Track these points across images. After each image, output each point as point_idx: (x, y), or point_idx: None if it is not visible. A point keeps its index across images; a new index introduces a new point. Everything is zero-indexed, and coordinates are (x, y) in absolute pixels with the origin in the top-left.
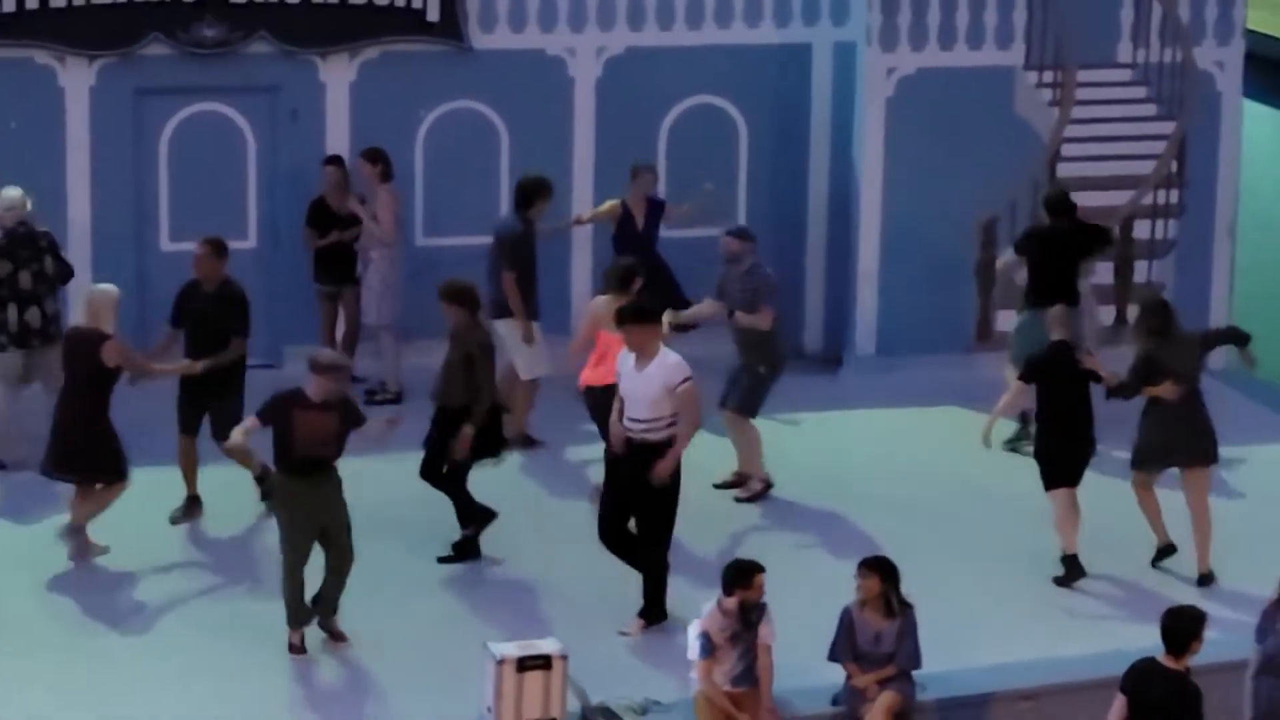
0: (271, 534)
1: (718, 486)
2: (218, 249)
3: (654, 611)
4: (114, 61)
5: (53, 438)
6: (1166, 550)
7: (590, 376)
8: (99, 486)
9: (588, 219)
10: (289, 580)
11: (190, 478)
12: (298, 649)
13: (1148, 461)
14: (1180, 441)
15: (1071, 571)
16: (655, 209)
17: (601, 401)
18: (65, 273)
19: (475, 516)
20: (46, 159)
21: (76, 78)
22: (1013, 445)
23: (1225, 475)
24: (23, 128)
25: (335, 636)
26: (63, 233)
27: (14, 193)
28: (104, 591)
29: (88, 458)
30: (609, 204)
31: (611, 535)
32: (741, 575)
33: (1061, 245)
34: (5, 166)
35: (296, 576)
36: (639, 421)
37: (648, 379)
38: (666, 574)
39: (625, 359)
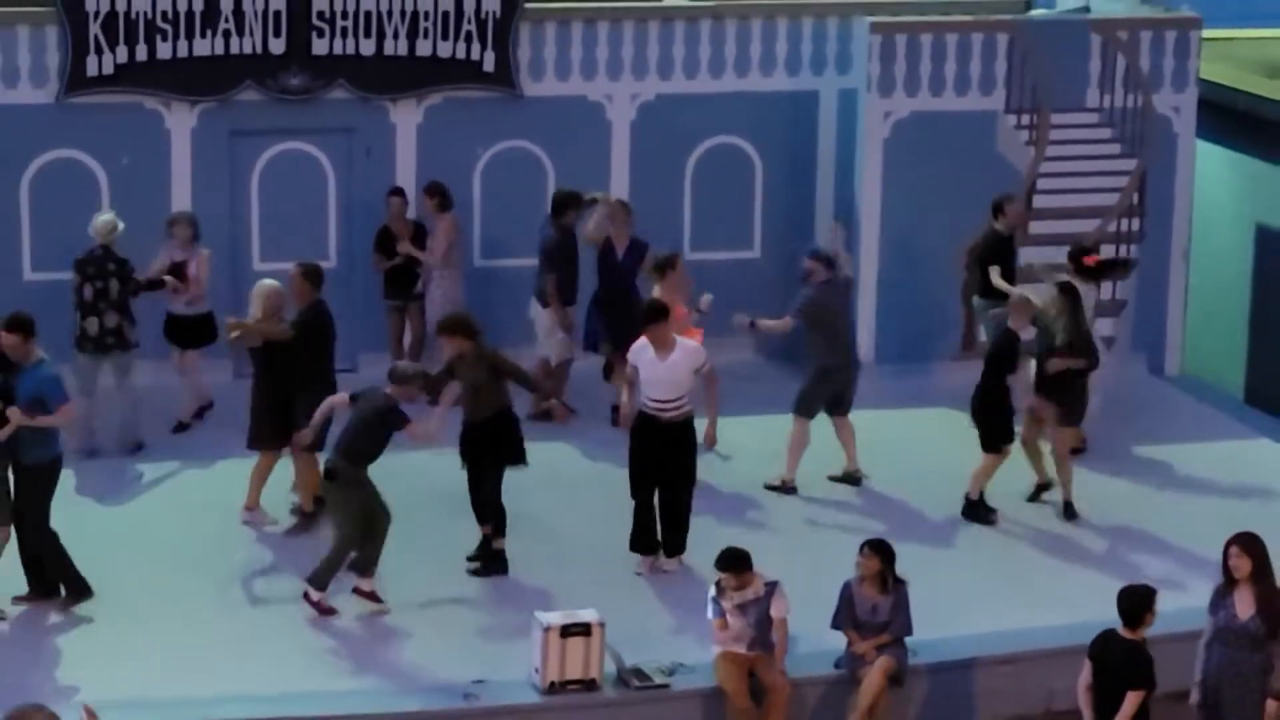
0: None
1: (834, 479)
2: (311, 275)
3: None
4: (212, 106)
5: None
6: (1045, 487)
7: None
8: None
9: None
10: (341, 554)
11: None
12: (327, 609)
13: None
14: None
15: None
16: (636, 247)
17: None
18: (126, 292)
19: (499, 522)
20: (154, 191)
21: (180, 120)
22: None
23: (1182, 469)
24: (134, 164)
25: (372, 597)
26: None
27: (105, 218)
28: (195, 568)
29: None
30: (595, 221)
31: (643, 494)
32: (723, 562)
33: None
34: (119, 196)
35: (349, 550)
36: (660, 401)
37: (672, 366)
38: (689, 515)
39: (643, 350)
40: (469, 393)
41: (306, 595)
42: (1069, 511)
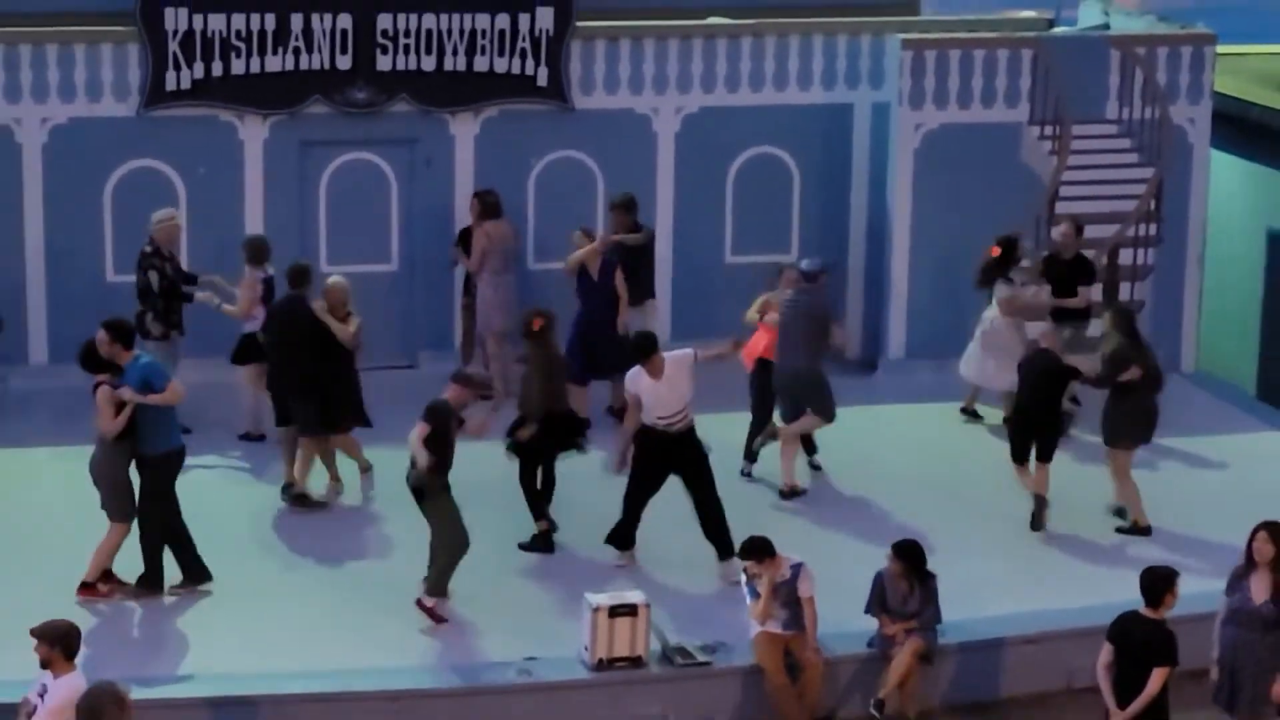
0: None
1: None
2: (303, 273)
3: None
4: (283, 119)
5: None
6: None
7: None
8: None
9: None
10: (451, 558)
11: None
12: (440, 617)
13: (1122, 439)
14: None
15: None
16: (607, 265)
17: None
18: (152, 284)
19: (541, 511)
20: (228, 198)
21: (253, 132)
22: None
23: (1197, 459)
24: (210, 173)
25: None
26: (239, 256)
27: (158, 213)
28: (262, 555)
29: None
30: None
31: (638, 500)
32: (745, 551)
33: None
34: (195, 204)
35: (457, 553)
36: (667, 418)
37: (670, 382)
38: (724, 514)
39: (639, 377)
40: (533, 385)
41: (419, 602)
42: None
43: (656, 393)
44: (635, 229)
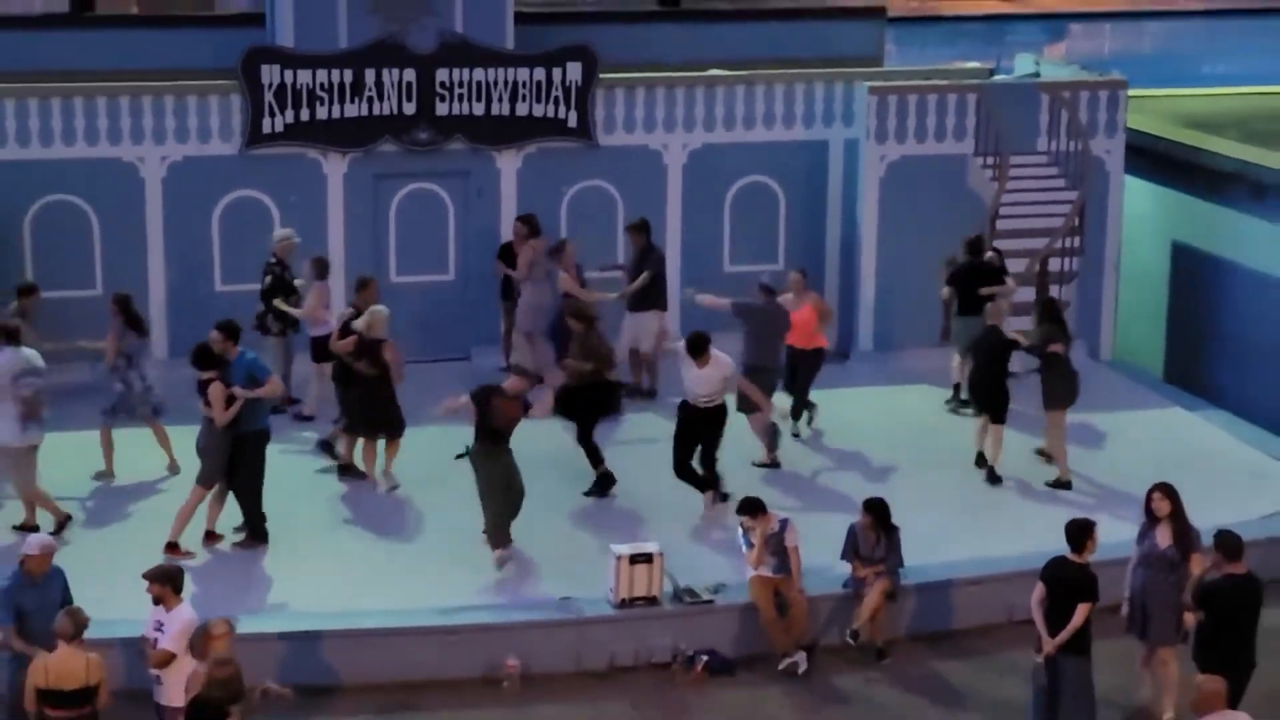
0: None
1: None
2: (364, 283)
3: (717, 491)
4: (359, 156)
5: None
6: (1064, 484)
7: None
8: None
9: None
10: (501, 509)
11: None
12: (505, 559)
13: (1056, 403)
14: (1074, 387)
15: (991, 476)
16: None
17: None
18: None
19: (599, 459)
20: (314, 221)
21: (334, 167)
22: (951, 408)
23: (1114, 431)
24: (299, 200)
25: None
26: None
27: (279, 231)
28: (370, 511)
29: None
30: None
31: (682, 468)
32: (742, 507)
33: (978, 276)
34: (287, 225)
35: (498, 509)
36: (702, 397)
37: (707, 374)
38: (716, 464)
39: (688, 364)
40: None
41: (496, 558)
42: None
43: (698, 378)
44: (648, 247)
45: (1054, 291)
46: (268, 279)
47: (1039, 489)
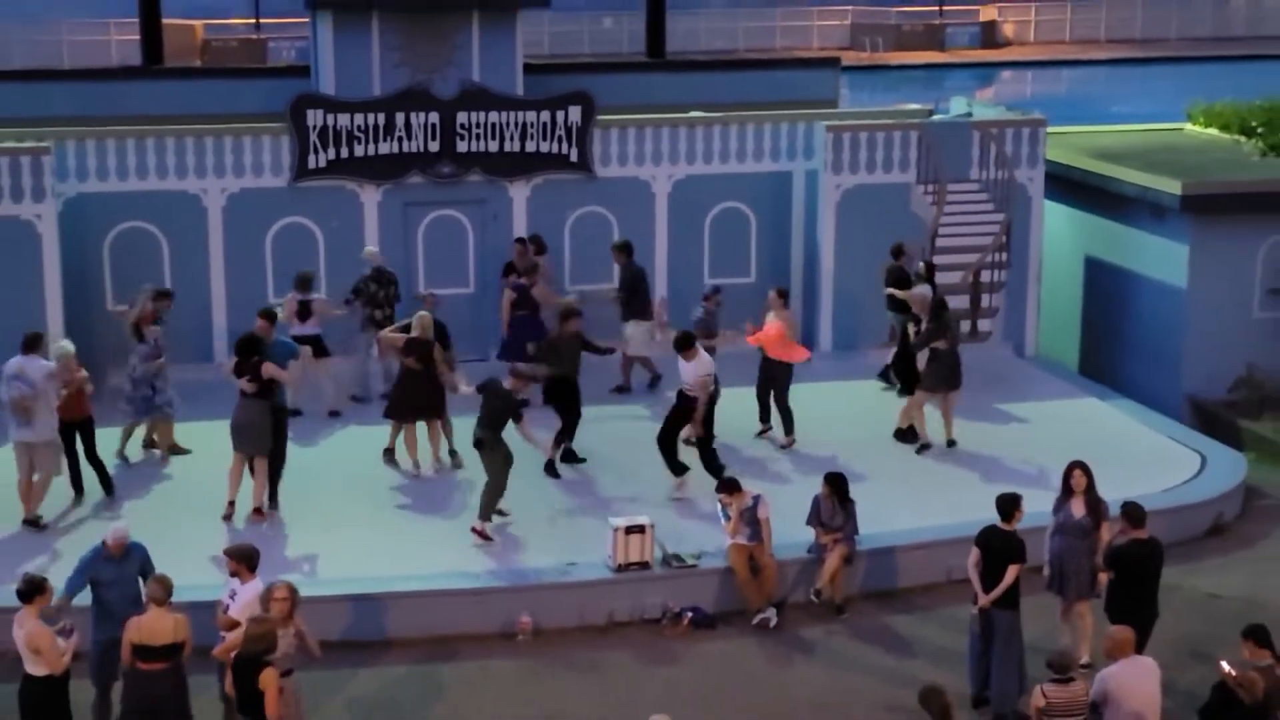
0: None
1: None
2: (430, 298)
3: (724, 481)
4: (391, 187)
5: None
6: (925, 446)
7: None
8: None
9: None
10: (494, 495)
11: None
12: (486, 536)
13: (935, 387)
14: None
15: (916, 440)
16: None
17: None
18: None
19: (559, 443)
20: (353, 243)
21: (370, 197)
22: (883, 386)
23: (1036, 418)
24: (340, 225)
25: (483, 535)
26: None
27: (368, 249)
28: (378, 494)
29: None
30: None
31: (663, 442)
32: (721, 486)
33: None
34: (331, 247)
35: (499, 491)
36: (687, 384)
37: (687, 369)
38: (718, 458)
39: (679, 359)
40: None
41: (473, 527)
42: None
43: (684, 369)
44: (630, 265)
45: (985, 299)
46: (362, 285)
47: (974, 468)
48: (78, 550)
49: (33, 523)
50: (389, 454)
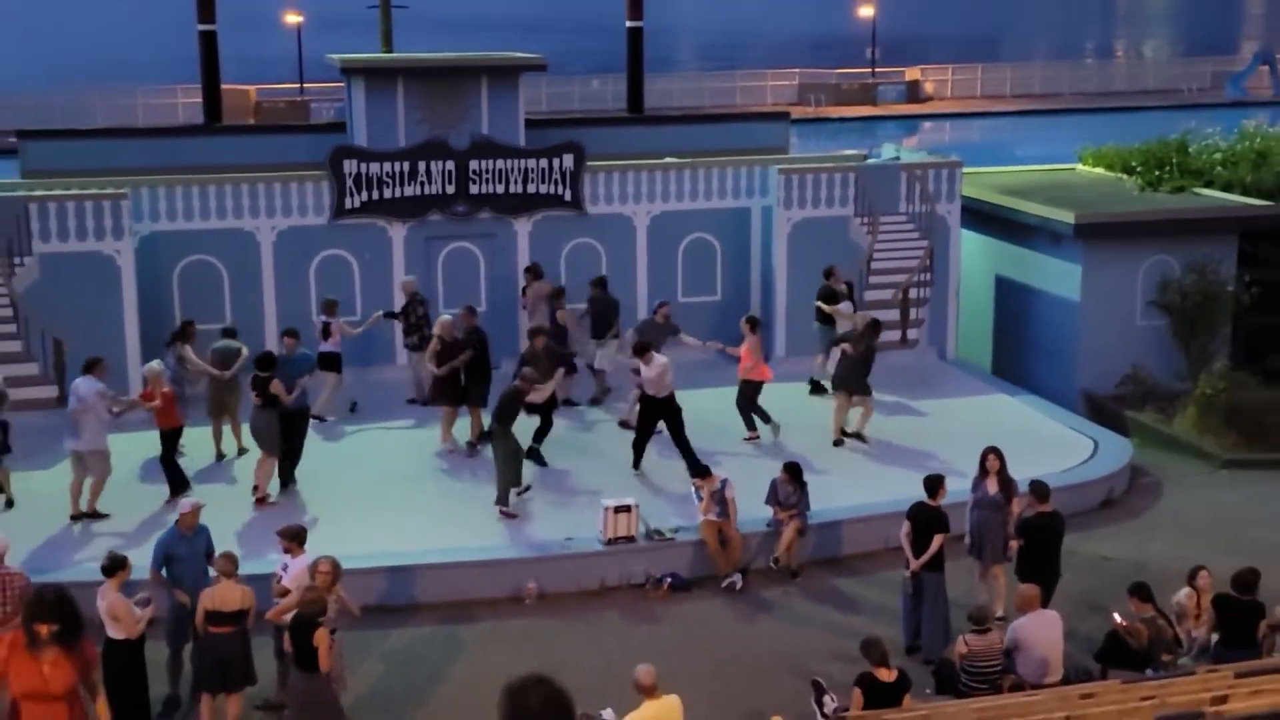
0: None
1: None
2: (471, 310)
3: (697, 468)
4: (415, 224)
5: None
6: (839, 441)
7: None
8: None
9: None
10: (506, 481)
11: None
12: (510, 514)
13: (852, 389)
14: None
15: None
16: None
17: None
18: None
19: (540, 438)
20: (383, 272)
21: (397, 233)
22: (810, 390)
23: (956, 411)
24: (372, 257)
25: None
26: (393, 306)
27: (405, 278)
28: (407, 480)
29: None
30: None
31: (636, 438)
32: (697, 471)
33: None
34: (365, 276)
35: (508, 479)
36: (646, 389)
37: (646, 373)
38: (692, 452)
39: (640, 364)
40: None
41: (498, 507)
42: (860, 438)
43: (644, 373)
44: (606, 295)
45: (912, 312)
46: (409, 310)
47: (905, 453)
48: (148, 535)
49: (81, 517)
50: (470, 445)
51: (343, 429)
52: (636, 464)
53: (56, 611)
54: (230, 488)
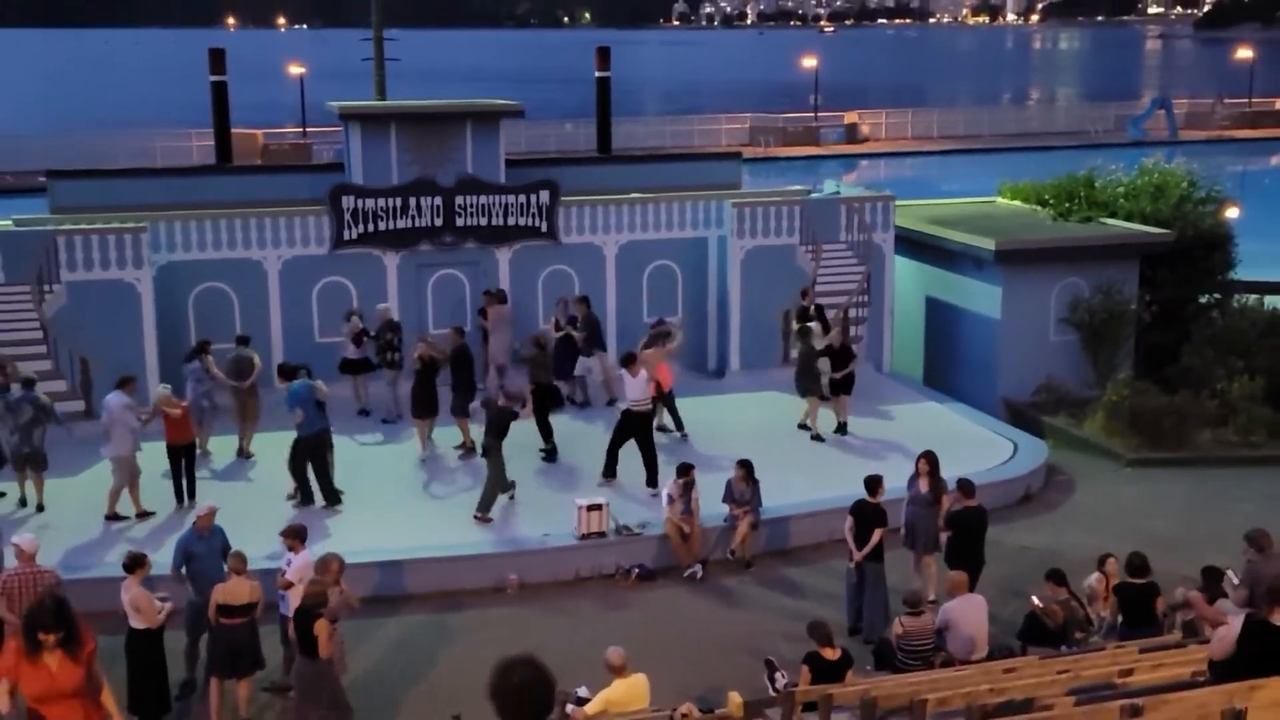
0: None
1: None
2: (459, 330)
3: (653, 478)
4: (406, 253)
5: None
6: (819, 437)
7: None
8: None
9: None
10: (497, 488)
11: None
12: (486, 520)
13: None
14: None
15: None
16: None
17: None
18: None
19: (549, 436)
20: (378, 296)
21: (390, 261)
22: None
23: (890, 418)
24: (368, 284)
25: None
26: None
27: (381, 305)
28: (402, 484)
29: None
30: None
31: (610, 447)
32: (679, 471)
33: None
34: (362, 299)
35: (494, 490)
36: (630, 401)
37: (632, 384)
38: (656, 461)
39: (624, 374)
40: (539, 371)
41: (476, 515)
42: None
43: (627, 383)
44: (589, 314)
45: (852, 329)
46: (383, 337)
47: (847, 456)
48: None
49: (117, 518)
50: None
51: (349, 438)
52: (610, 472)
53: (58, 620)
54: (248, 486)
